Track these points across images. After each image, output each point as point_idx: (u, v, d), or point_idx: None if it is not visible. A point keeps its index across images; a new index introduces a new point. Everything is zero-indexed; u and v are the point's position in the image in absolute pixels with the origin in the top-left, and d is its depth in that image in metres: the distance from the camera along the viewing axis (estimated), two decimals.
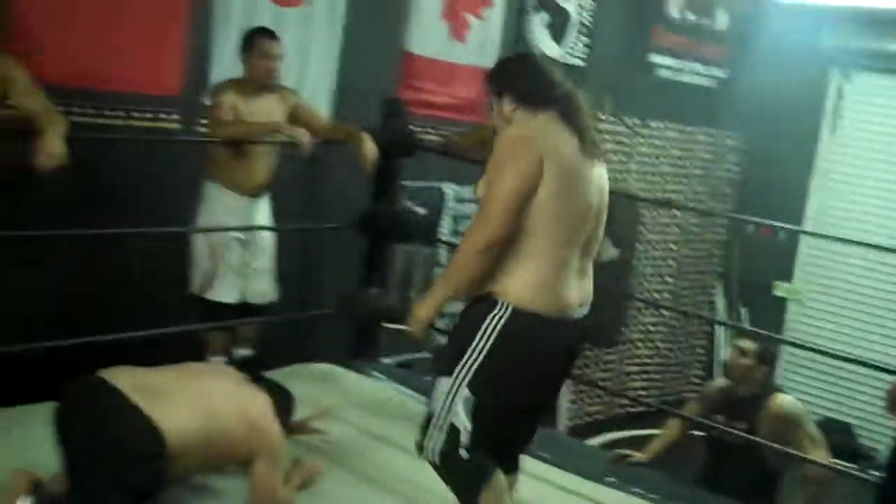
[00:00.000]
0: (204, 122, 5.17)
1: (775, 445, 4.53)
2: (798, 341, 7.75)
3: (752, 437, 4.61)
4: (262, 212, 5.13)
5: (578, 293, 3.10)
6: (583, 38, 7.86)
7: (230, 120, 4.79)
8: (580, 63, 7.87)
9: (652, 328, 9.08)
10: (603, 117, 8.07)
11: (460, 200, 7.33)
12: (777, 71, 8.93)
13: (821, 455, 4.56)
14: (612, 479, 4.48)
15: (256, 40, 4.90)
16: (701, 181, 9.32)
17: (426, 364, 7.04)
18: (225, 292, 4.97)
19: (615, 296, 7.77)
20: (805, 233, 9.17)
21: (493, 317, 3.01)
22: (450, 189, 7.24)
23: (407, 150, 5.43)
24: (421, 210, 7.32)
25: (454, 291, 3.14)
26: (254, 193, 5.00)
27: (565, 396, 8.25)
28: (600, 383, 7.97)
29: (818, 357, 8.20)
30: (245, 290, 5.05)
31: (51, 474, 3.20)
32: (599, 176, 3.20)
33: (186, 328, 4.87)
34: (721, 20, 9.17)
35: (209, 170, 4.98)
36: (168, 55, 5.17)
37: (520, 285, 3.01)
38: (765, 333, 5.25)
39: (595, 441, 7.39)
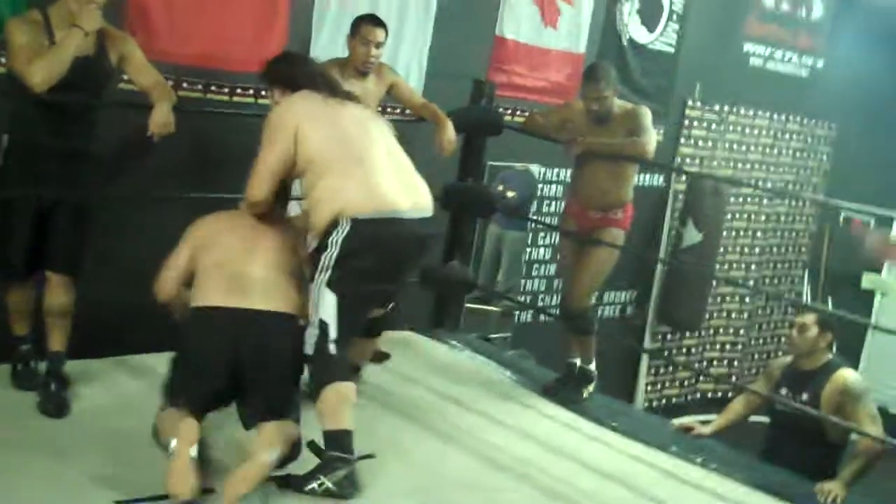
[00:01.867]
0: None
1: (833, 418, 4.64)
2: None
3: (812, 409, 4.72)
4: None
5: (403, 198, 3.60)
6: (674, 25, 7.97)
7: None
8: (670, 50, 8.00)
9: (735, 315, 9.16)
10: (691, 103, 8.19)
11: (547, 182, 7.53)
12: (870, 61, 8.92)
13: (876, 431, 4.65)
14: (675, 449, 4.67)
15: (360, 26, 5.05)
16: (790, 170, 9.36)
17: (507, 341, 7.34)
18: None
19: (697, 280, 7.89)
20: None
21: (336, 232, 3.53)
22: (536, 170, 7.43)
23: (492, 129, 5.65)
24: (511, 192, 7.54)
25: None
26: None
27: (643, 377, 8.41)
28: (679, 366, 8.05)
29: None
30: None
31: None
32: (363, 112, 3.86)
33: None
34: (816, 9, 9.19)
35: None
36: (272, 36, 5.46)
37: (344, 202, 3.52)
38: (852, 318, 5.28)
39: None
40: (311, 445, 3.58)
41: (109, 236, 4.40)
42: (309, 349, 3.61)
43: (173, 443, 3.30)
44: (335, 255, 3.52)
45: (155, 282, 3.83)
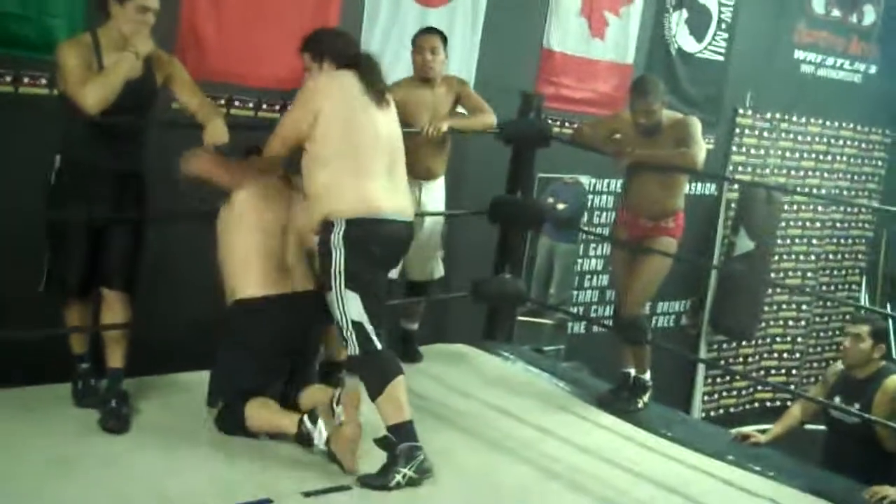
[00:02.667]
0: None
1: (889, 423, 4.60)
2: None
3: (865, 416, 4.68)
4: (430, 195, 5.34)
5: (392, 204, 3.82)
6: (722, 34, 7.94)
7: None
8: (720, 58, 7.96)
9: (791, 323, 9.06)
10: (742, 111, 8.14)
11: (598, 192, 7.52)
12: None
13: None
14: (732, 458, 4.64)
15: (416, 37, 5.24)
16: (844, 176, 9.27)
17: (560, 353, 7.33)
18: None
19: (750, 288, 7.83)
20: None
21: (334, 232, 3.74)
22: (586, 181, 7.43)
23: (540, 141, 5.66)
24: (561, 204, 7.55)
25: None
26: (418, 177, 5.27)
27: (700, 387, 8.35)
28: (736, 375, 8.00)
29: None
30: (405, 268, 5.34)
31: None
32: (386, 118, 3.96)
33: None
34: (868, 16, 9.10)
35: None
36: None
37: (340, 203, 3.75)
38: None
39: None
40: (380, 442, 3.72)
41: (162, 253, 4.45)
42: (352, 351, 3.76)
43: (318, 426, 3.73)
44: (342, 256, 3.73)
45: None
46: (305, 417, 3.75)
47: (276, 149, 3.95)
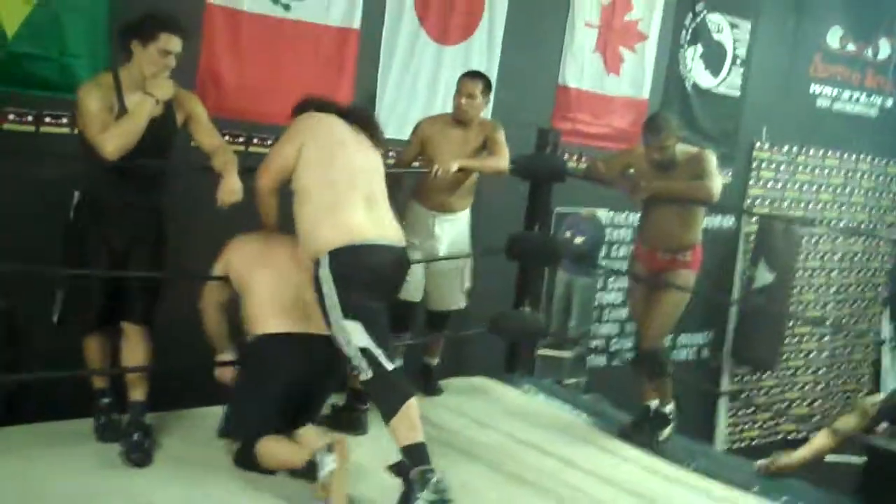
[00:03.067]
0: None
1: None
2: None
3: None
4: (445, 227, 5.32)
5: (373, 230, 3.89)
6: (738, 69, 7.98)
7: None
8: (735, 93, 8.00)
9: (814, 355, 9.02)
10: (759, 145, 8.17)
11: (616, 226, 7.54)
12: None
13: None
14: (758, 489, 4.62)
15: (459, 79, 5.32)
16: (863, 209, 9.26)
17: (581, 386, 7.31)
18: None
19: (771, 319, 7.81)
20: None
21: (322, 267, 3.80)
22: (604, 214, 7.45)
23: (555, 177, 5.70)
24: (579, 238, 7.55)
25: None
26: (433, 209, 5.32)
27: (723, 419, 8.31)
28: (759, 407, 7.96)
29: None
30: (425, 296, 5.36)
31: None
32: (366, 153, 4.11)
33: None
34: (883, 50, 9.14)
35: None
36: (339, 95, 5.56)
37: (322, 239, 3.83)
38: None
39: None
40: (393, 468, 3.70)
41: (181, 287, 4.48)
42: (365, 376, 3.77)
43: (328, 460, 3.64)
44: (333, 289, 3.77)
45: (199, 300, 4.15)
46: (317, 452, 3.70)
47: (264, 181, 4.06)
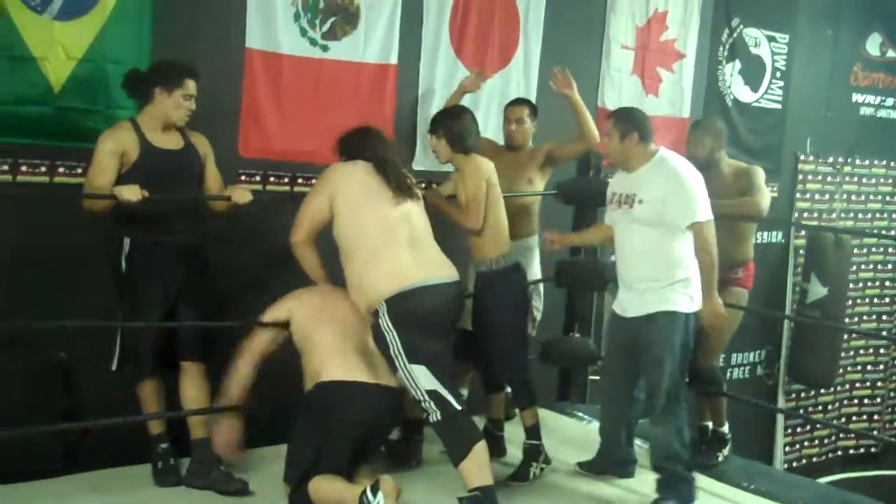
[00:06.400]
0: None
1: None
2: None
3: None
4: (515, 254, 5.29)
5: (421, 272, 4.00)
6: (778, 81, 7.93)
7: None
8: (777, 106, 7.95)
9: (870, 368, 8.89)
10: (803, 157, 8.11)
11: None
12: None
13: None
14: None
15: (506, 108, 5.43)
16: None
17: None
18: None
19: (826, 334, 7.72)
20: None
21: (381, 316, 3.94)
22: None
23: (598, 199, 5.66)
24: None
25: None
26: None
27: (780, 437, 8.20)
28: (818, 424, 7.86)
29: None
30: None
31: None
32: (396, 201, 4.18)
33: None
34: None
35: None
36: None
37: (373, 290, 3.97)
38: None
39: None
40: (467, 501, 3.77)
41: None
42: (434, 418, 3.86)
43: (378, 498, 3.65)
44: (396, 337, 3.90)
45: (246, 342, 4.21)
46: (368, 489, 3.72)
47: (299, 236, 4.19)
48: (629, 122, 4.44)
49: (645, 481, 4.60)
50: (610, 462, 4.74)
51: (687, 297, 4.29)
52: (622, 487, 4.63)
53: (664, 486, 4.43)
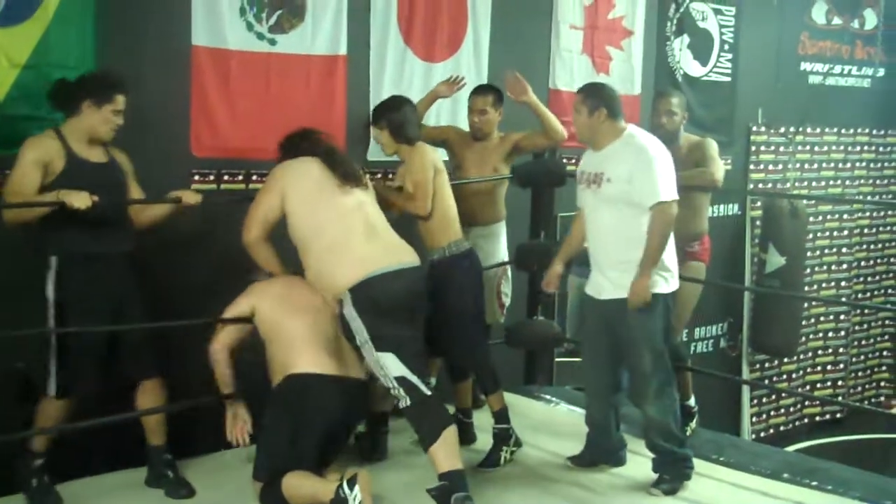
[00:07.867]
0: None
1: None
2: None
3: None
4: (483, 240, 5.21)
5: (383, 259, 3.99)
6: (726, 54, 7.97)
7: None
8: (727, 79, 7.99)
9: (831, 335, 8.99)
10: (755, 129, 8.16)
11: None
12: None
13: None
14: (788, 476, 4.59)
15: (470, 98, 5.34)
16: (866, 182, 9.24)
17: None
18: None
19: (787, 303, 7.79)
20: None
21: (346, 305, 3.93)
22: None
23: (555, 180, 5.69)
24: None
25: None
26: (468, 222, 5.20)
27: (747, 409, 8.27)
28: (783, 393, 7.93)
29: None
30: None
31: None
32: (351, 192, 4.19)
33: None
34: (869, 20, 9.11)
35: None
36: (331, 130, 5.56)
37: (336, 281, 3.97)
38: None
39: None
40: (436, 491, 3.75)
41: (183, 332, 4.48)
42: (404, 404, 3.86)
43: (355, 492, 3.64)
44: (361, 325, 3.89)
45: (212, 342, 4.15)
46: (344, 483, 3.69)
47: (252, 234, 4.16)
48: (597, 97, 4.39)
49: (639, 466, 4.60)
50: (601, 451, 4.66)
51: (662, 277, 4.25)
52: (615, 475, 4.61)
53: (663, 465, 4.42)
